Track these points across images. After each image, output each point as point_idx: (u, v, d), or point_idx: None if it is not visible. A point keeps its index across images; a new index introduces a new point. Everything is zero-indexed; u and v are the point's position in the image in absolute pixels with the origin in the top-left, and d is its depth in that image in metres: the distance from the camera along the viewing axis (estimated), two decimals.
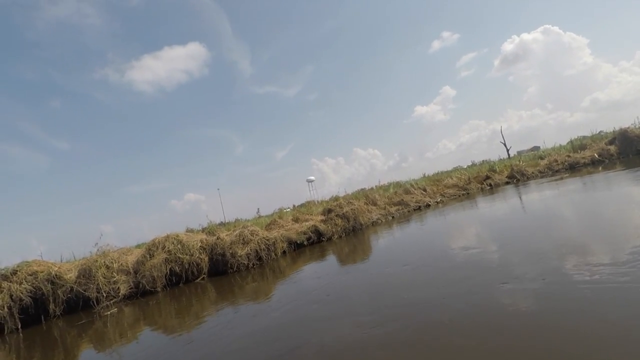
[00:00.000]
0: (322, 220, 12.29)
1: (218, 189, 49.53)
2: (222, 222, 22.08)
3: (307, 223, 12.31)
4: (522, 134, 72.58)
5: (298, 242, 11.24)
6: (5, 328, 7.94)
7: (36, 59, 56.65)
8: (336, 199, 15.53)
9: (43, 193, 56.91)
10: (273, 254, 10.13)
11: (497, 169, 21.81)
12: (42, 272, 8.52)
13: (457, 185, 19.37)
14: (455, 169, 32.89)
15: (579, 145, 23.10)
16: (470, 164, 39.26)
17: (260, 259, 9.77)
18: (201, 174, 68.58)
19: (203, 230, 12.70)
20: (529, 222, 7.88)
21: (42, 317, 8.31)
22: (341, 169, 70.93)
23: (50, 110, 58.29)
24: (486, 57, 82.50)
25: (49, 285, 8.42)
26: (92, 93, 63.25)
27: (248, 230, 10.10)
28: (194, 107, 72.57)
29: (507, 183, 19.71)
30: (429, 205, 16.16)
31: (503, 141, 38.72)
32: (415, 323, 3.57)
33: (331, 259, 8.85)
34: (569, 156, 21.33)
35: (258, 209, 27.15)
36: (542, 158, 23.14)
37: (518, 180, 19.84)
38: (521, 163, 22.11)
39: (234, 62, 75.58)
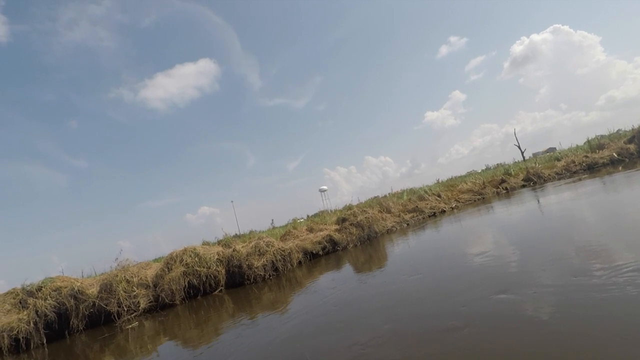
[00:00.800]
0: (336, 230, 12.28)
1: (232, 202, 50.08)
2: (236, 234, 22.27)
3: (321, 233, 12.31)
4: (536, 136, 71.34)
5: (313, 252, 11.25)
6: (32, 343, 8.14)
7: (54, 81, 59.13)
8: (350, 207, 15.51)
9: (62, 211, 58.59)
10: (289, 265, 10.16)
11: (513, 172, 21.46)
12: (65, 287, 8.73)
13: (472, 190, 19.11)
14: (469, 174, 32.50)
15: (596, 144, 22.53)
16: (484, 168, 38.82)
17: (276, 269, 9.80)
18: (215, 187, 69.61)
19: (219, 242, 12.84)
20: (547, 225, 7.72)
21: (66, 332, 8.50)
22: (353, 178, 70.85)
23: (68, 130, 60.50)
24: (495, 60, 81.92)
25: (72, 300, 8.62)
26: (108, 112, 65.40)
27: (264, 241, 10.16)
28: (205, 122, 74.15)
29: (524, 186, 19.34)
30: (444, 211, 15.97)
31: (517, 144, 38.18)
32: (433, 332, 3.54)
33: (347, 268, 8.82)
34: (586, 156, 20.82)
35: (272, 220, 27.33)
36: (558, 159, 22.66)
37: (535, 183, 19.46)
38: (537, 165, 21.70)
39: (243, 76, 77.18)
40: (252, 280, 9.43)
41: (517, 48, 75.06)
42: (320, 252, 11.37)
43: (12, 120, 56.00)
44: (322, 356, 3.72)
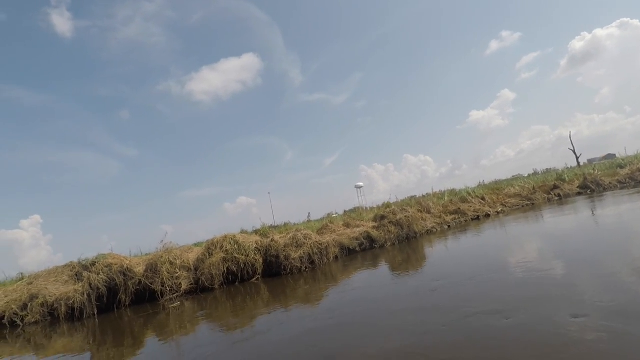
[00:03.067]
0: (374, 227, 12.07)
1: (269, 193, 50.98)
2: (272, 225, 22.64)
3: (358, 229, 12.15)
4: (593, 140, 65.59)
5: (350, 247, 11.14)
6: (85, 313, 8.77)
7: (109, 75, 63.17)
8: (388, 205, 15.21)
9: (113, 195, 62.74)
10: (325, 258, 10.12)
11: (567, 178, 19.99)
12: (115, 264, 9.29)
13: (520, 194, 18.01)
14: (515, 178, 30.79)
15: None
16: (531, 172, 36.54)
17: (312, 262, 9.80)
18: (253, 179, 71.17)
19: (256, 232, 13.10)
20: (605, 239, 7.06)
21: (115, 306, 9.05)
22: (390, 176, 69.32)
23: (120, 121, 64.46)
24: (551, 57, 75.64)
25: (122, 276, 9.15)
26: (156, 104, 68.92)
27: (301, 234, 10.20)
28: (246, 116, 75.83)
29: (579, 194, 17.93)
30: (489, 215, 15.18)
31: (572, 148, 35.41)
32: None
33: (383, 267, 8.63)
34: None
35: (309, 213, 27.47)
36: (621, 167, 20.78)
37: (592, 191, 17.97)
38: (596, 172, 20.01)
39: (285, 72, 77.92)
40: (288, 271, 9.51)
41: (577, 44, 68.93)
42: (357, 249, 11.23)
43: (70, 111, 60.78)
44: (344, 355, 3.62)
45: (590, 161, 39.78)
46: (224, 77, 70.64)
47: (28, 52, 56.68)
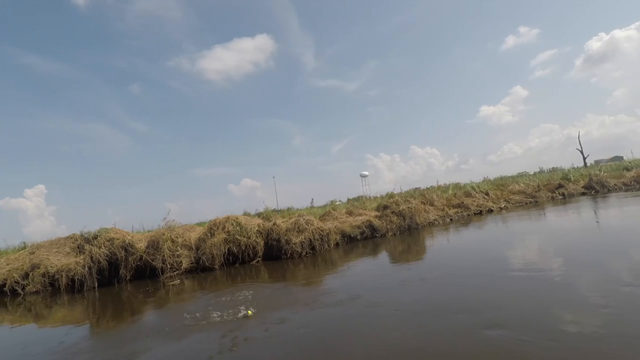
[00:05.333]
0: (376, 216, 12.03)
1: (273, 177, 51.02)
2: (275, 209, 22.67)
3: (361, 217, 12.13)
4: (602, 142, 64.78)
5: (351, 235, 11.13)
6: (85, 285, 8.84)
7: (124, 48, 62.31)
8: (392, 195, 15.17)
9: (120, 168, 62.70)
10: (326, 245, 10.12)
11: (572, 178, 19.81)
12: (117, 239, 9.32)
13: (524, 192, 17.89)
14: (521, 175, 30.62)
15: None
16: (537, 170, 36.27)
17: (313, 248, 9.80)
18: (259, 162, 70.83)
19: (259, 215, 13.10)
20: (604, 239, 7.00)
21: (115, 280, 9.11)
22: (396, 166, 68.89)
23: (131, 95, 63.92)
24: (567, 55, 73.95)
25: (123, 251, 9.19)
26: (167, 80, 68.16)
27: (303, 219, 10.17)
28: (257, 98, 74.97)
29: (583, 194, 17.80)
30: (492, 210, 15.11)
31: (580, 148, 35.04)
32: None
33: (383, 256, 8.62)
34: None
35: (312, 199, 27.44)
36: (628, 169, 20.58)
37: (597, 191, 17.83)
38: (602, 173, 19.82)
39: (298, 55, 76.49)
40: (288, 255, 9.52)
41: (594, 44, 67.31)
42: (359, 237, 11.22)
43: (83, 81, 60.22)
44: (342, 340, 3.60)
45: (597, 162, 39.46)
46: (236, 56, 69.78)
47: (44, 19, 56.23)
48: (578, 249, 6.40)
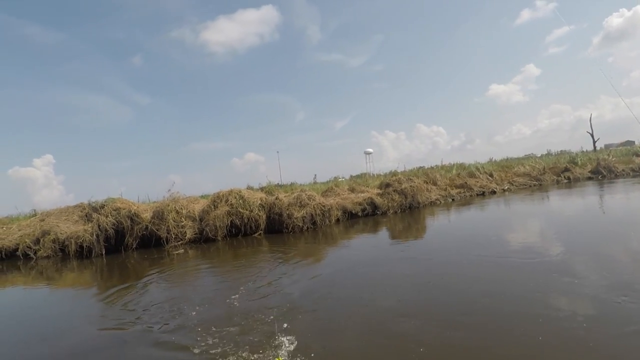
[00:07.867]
0: (378, 194, 12.13)
1: (277, 152, 50.92)
2: (278, 183, 22.83)
3: (362, 195, 12.24)
4: (614, 125, 62.82)
5: (353, 212, 11.28)
6: (93, 252, 9.17)
7: (123, 19, 61.03)
8: (395, 174, 15.20)
9: (124, 140, 62.92)
10: (327, 220, 10.30)
11: (580, 162, 19.58)
12: (124, 209, 9.57)
13: (529, 174, 17.78)
14: (527, 157, 30.25)
15: None
16: (545, 153, 35.72)
17: (314, 223, 9.98)
18: (263, 137, 70.38)
19: (262, 189, 13.25)
20: (606, 224, 7.06)
21: (122, 248, 9.44)
22: (401, 144, 68.19)
23: (133, 67, 63.16)
24: (584, 32, 70.63)
25: (129, 221, 9.47)
26: (169, 52, 67.06)
27: (305, 194, 10.30)
28: (261, 71, 73.57)
29: (590, 179, 17.64)
30: (495, 192, 15.12)
31: (590, 131, 34.10)
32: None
33: (383, 233, 8.78)
34: None
35: (315, 175, 27.45)
36: (638, 154, 20.26)
37: (604, 177, 17.66)
38: (610, 157, 19.54)
39: (303, 28, 74.37)
40: (290, 229, 9.72)
41: (615, 21, 63.83)
42: (360, 214, 11.37)
43: (84, 53, 59.51)
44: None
45: (607, 146, 38.68)
46: (240, 28, 68.04)
47: None
48: (571, 230, 6.49)
